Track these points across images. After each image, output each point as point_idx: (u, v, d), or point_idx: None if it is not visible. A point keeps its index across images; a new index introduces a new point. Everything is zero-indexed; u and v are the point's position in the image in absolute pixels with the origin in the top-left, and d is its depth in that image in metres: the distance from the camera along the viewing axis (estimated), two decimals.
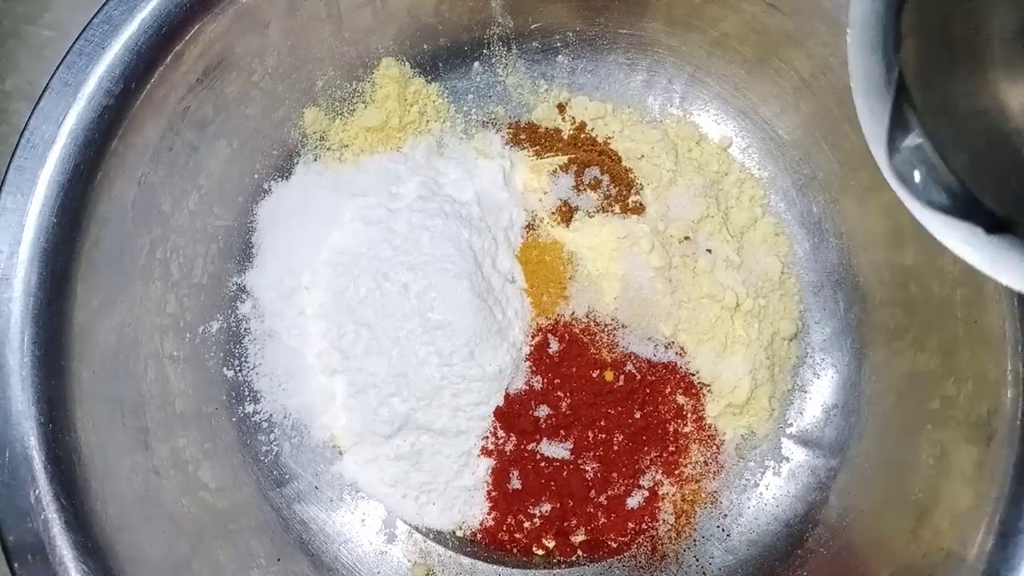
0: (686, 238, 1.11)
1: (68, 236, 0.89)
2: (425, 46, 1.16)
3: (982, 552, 0.88)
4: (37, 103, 0.90)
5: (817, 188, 1.16)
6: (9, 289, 0.87)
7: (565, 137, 1.16)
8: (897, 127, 0.64)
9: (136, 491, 0.93)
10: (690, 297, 1.10)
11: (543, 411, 1.06)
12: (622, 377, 1.06)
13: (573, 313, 1.09)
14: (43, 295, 0.88)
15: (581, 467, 1.06)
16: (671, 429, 1.08)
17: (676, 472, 1.08)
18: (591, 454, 1.06)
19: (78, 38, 0.91)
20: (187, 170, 1.01)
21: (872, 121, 0.66)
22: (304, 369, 1.10)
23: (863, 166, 1.09)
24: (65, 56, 0.91)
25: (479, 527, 1.08)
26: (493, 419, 1.05)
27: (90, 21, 0.92)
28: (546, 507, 1.06)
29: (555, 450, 1.06)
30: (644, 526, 1.07)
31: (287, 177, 1.13)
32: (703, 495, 1.10)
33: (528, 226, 1.13)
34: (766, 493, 1.12)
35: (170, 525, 0.95)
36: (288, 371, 1.10)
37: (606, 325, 1.09)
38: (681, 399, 1.10)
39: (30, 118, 0.89)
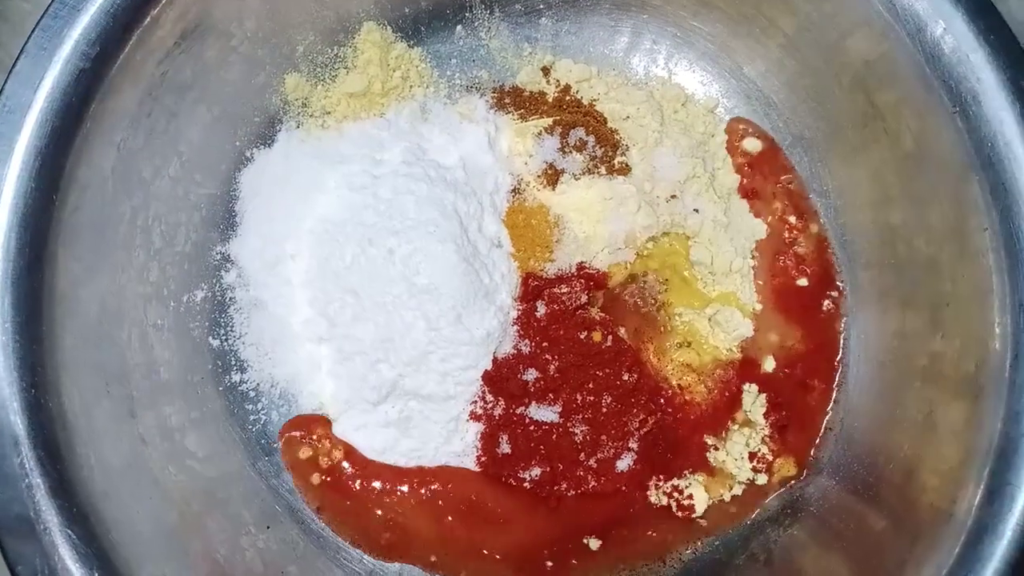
0: (673, 197, 1.10)
1: (46, 201, 0.88)
2: (406, 9, 1.15)
3: (971, 507, 0.88)
4: (12, 67, 0.89)
5: (804, 149, 1.16)
6: None
7: (550, 100, 1.15)
8: None
9: (122, 458, 0.92)
10: None
11: (531, 375, 1.05)
12: (610, 337, 1.06)
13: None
14: (23, 260, 0.87)
15: (570, 430, 1.05)
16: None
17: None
18: (580, 417, 1.05)
19: (53, 1, 0.90)
20: (167, 136, 1.00)
21: None
22: (291, 338, 1.09)
23: (850, 127, 1.08)
24: (40, 19, 0.90)
25: None
26: (481, 383, 1.05)
27: None
28: (536, 471, 1.06)
29: (544, 413, 1.06)
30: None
31: (269, 144, 1.12)
32: None
33: (514, 190, 1.12)
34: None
35: (157, 493, 0.95)
36: (275, 340, 1.09)
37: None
38: None
39: (5, 82, 0.88)
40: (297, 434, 1.08)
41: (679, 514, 1.07)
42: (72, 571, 0.83)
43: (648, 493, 1.07)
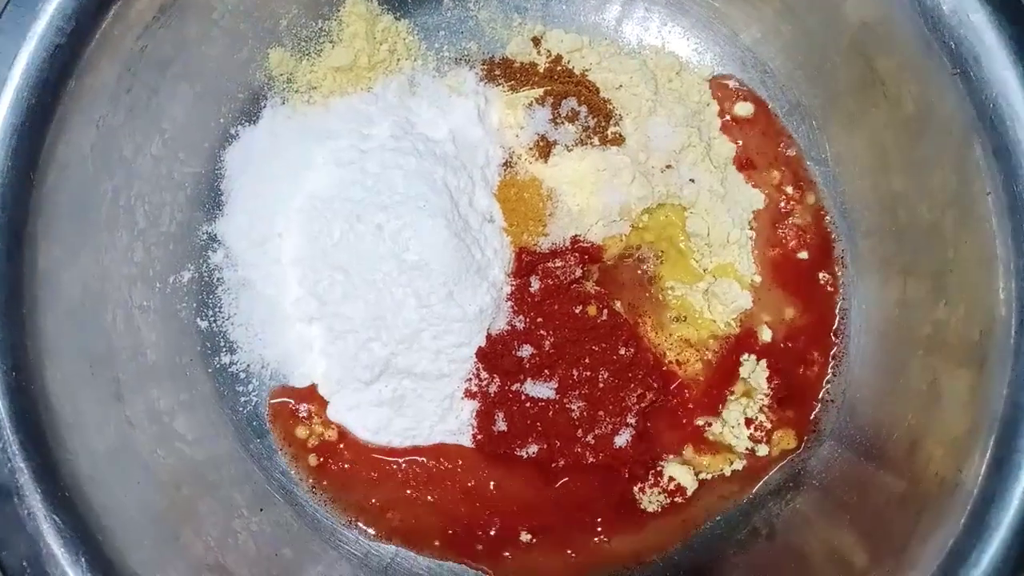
0: (668, 167, 1.08)
1: (24, 180, 0.86)
2: None
3: (977, 477, 0.86)
4: None
5: (801, 116, 1.13)
6: None
7: (541, 71, 1.12)
8: None
9: (109, 442, 0.91)
10: None
11: (526, 351, 1.03)
12: (605, 312, 1.04)
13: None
14: (1, 243, 0.84)
15: (567, 406, 1.04)
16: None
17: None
18: (577, 393, 1.03)
19: None
20: (148, 114, 0.98)
21: None
22: (281, 318, 1.07)
23: (848, 92, 1.06)
24: None
25: None
26: (475, 361, 1.03)
27: None
28: (533, 448, 1.04)
29: (540, 390, 1.04)
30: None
31: (255, 121, 1.10)
32: None
33: (505, 163, 1.10)
34: None
35: (146, 477, 0.93)
36: (264, 320, 1.07)
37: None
38: None
39: None
40: (286, 402, 1.07)
41: (678, 499, 1.06)
42: (58, 557, 0.81)
43: (639, 501, 1.06)
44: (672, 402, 1.07)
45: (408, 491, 1.05)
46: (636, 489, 1.06)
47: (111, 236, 0.96)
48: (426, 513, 1.05)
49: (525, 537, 1.05)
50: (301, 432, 1.06)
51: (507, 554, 1.05)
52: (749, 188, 1.11)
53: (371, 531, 1.06)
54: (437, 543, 1.05)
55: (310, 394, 1.07)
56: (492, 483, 1.05)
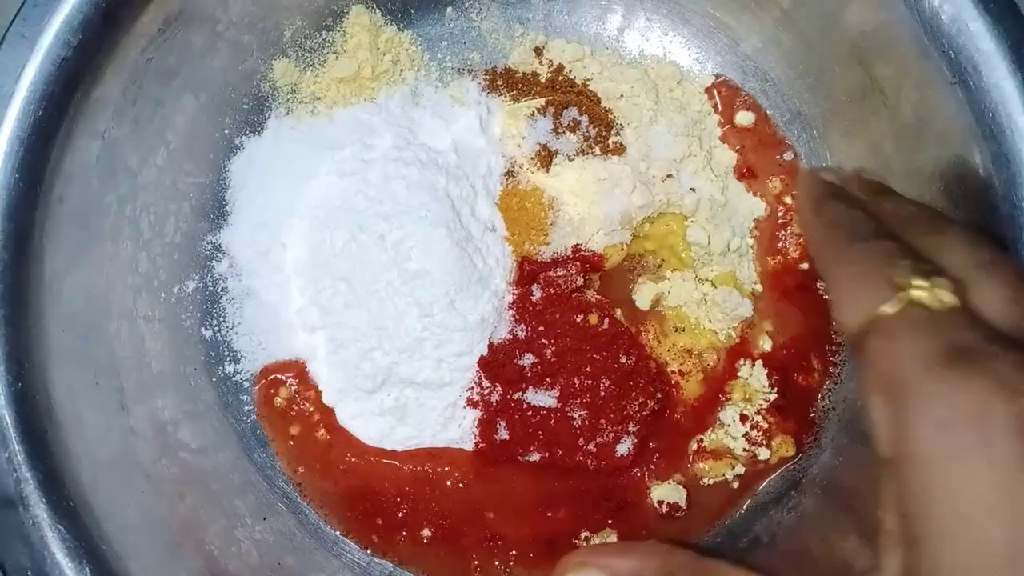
0: (669, 176, 1.08)
1: (31, 192, 0.87)
2: None
3: None
4: None
5: (802, 125, 1.13)
6: None
7: (543, 81, 1.13)
8: None
9: (112, 451, 0.91)
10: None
11: (528, 359, 1.03)
12: (607, 320, 1.04)
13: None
14: (7, 254, 0.85)
15: (569, 415, 1.04)
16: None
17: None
18: (578, 401, 1.03)
19: None
20: (153, 125, 0.99)
21: None
22: (284, 327, 1.08)
23: (848, 100, 1.06)
24: (20, 8, 0.89)
25: None
26: (477, 369, 1.03)
27: None
28: (535, 457, 1.04)
29: (542, 398, 1.04)
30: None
31: (259, 132, 1.11)
32: None
33: (507, 173, 1.10)
34: None
35: (149, 486, 0.93)
36: (268, 330, 1.08)
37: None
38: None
39: None
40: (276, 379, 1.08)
41: (676, 515, 1.06)
42: (62, 565, 0.82)
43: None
44: (668, 404, 1.07)
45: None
46: (582, 537, 1.06)
47: (116, 247, 0.97)
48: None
49: (427, 532, 1.05)
50: (282, 396, 1.07)
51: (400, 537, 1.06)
52: (750, 197, 1.12)
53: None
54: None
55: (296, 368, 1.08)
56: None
